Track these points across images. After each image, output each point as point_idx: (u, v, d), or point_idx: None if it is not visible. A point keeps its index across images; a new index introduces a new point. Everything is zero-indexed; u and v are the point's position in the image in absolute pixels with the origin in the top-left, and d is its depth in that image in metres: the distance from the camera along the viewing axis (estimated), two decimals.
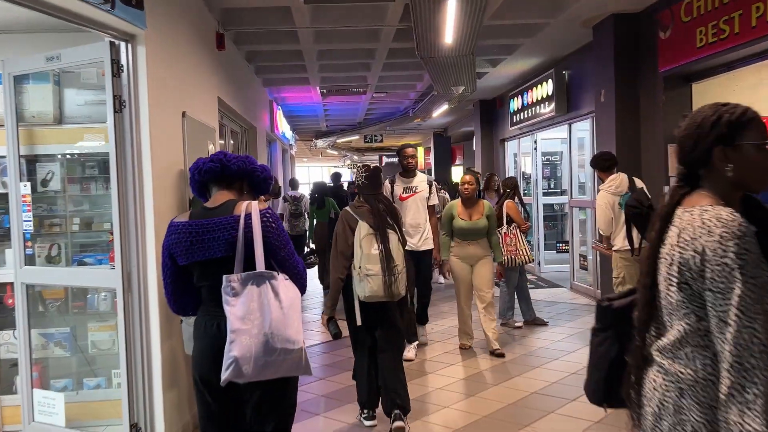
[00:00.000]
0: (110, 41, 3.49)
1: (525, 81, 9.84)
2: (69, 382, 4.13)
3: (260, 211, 2.31)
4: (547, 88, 8.71)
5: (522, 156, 11.30)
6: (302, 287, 2.43)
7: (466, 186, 5.50)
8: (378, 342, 3.84)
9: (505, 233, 6.34)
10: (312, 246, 8.67)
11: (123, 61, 3.56)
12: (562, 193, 11.53)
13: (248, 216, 2.29)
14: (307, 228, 9.03)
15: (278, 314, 2.22)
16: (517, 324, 6.54)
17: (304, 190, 10.16)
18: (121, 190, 3.53)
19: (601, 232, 5.62)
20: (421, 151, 22.53)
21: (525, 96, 9.74)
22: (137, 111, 3.56)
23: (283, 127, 11.56)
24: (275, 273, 2.29)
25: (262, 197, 3.28)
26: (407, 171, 5.60)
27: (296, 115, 13.68)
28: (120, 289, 3.56)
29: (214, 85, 5.50)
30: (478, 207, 5.49)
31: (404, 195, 5.51)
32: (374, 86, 10.15)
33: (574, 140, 8.82)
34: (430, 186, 5.65)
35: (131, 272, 3.59)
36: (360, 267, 3.61)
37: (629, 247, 5.37)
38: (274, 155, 11.04)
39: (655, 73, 6.14)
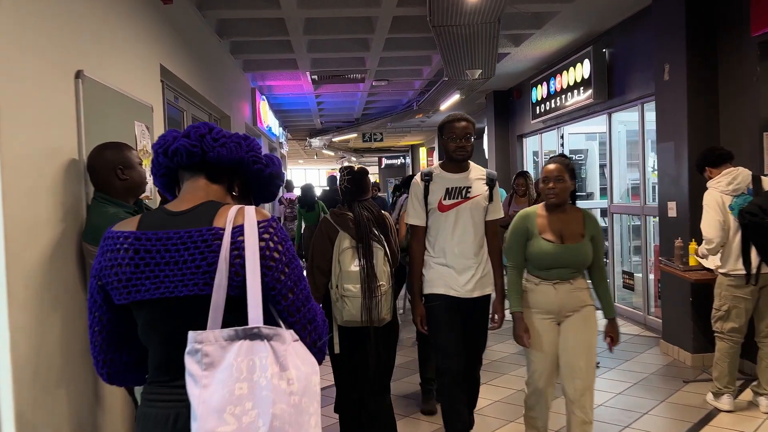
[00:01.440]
0: None
1: (551, 65, 8.37)
2: None
3: (259, 222, 1.44)
4: (582, 70, 7.25)
5: (544, 154, 9.82)
6: (320, 353, 1.54)
7: (551, 184, 3.06)
8: (360, 377, 3.32)
9: None
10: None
11: None
12: (588, 196, 10.10)
13: (238, 230, 1.42)
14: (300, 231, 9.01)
15: (285, 405, 1.31)
16: None
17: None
18: None
19: (705, 248, 4.13)
20: (424, 151, 21.09)
21: (552, 82, 8.27)
22: None
23: (270, 121, 10.09)
24: (281, 330, 1.38)
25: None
26: (455, 161, 3.27)
27: (287, 109, 12.20)
28: None
29: (154, 48, 4.02)
30: (573, 219, 3.12)
31: (447, 202, 3.24)
32: (374, 72, 8.68)
33: (615, 133, 7.35)
34: (492, 186, 3.32)
35: None
36: (337, 286, 3.12)
37: (743, 271, 3.87)
38: None
39: (744, 38, 4.67)
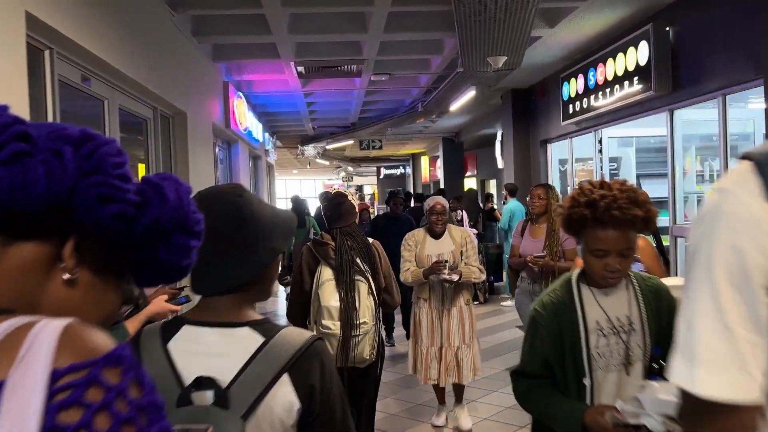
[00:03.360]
0: None
1: (591, 53, 6.85)
2: None
3: (58, 375, 0.54)
4: (636, 56, 5.72)
5: (575, 161, 8.29)
6: None
7: None
8: None
9: None
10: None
11: None
12: None
13: None
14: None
15: None
16: None
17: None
18: None
19: None
20: (426, 160, 19.59)
21: (592, 74, 6.75)
22: None
23: (250, 123, 8.56)
24: None
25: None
26: None
27: (272, 111, 10.67)
28: None
29: None
30: None
31: None
32: (372, 62, 7.16)
33: (679, 136, 5.82)
34: None
35: None
36: (315, 322, 2.88)
37: None
38: (233, 162, 8.02)
39: None
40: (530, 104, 9.24)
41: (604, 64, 6.39)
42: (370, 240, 3.17)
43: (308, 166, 20.16)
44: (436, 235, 4.08)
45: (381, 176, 24.88)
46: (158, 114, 4.70)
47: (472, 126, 13.57)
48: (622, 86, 6.06)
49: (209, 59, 6.48)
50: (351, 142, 14.42)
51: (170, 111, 5.02)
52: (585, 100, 6.99)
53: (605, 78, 6.41)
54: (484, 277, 4.17)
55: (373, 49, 6.50)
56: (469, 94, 7.84)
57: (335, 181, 32.70)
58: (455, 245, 4.03)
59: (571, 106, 7.43)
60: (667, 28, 5.43)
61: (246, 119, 8.08)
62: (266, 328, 1.17)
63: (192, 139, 5.28)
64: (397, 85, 8.78)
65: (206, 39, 5.88)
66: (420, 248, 4.05)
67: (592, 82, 6.76)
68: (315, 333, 1.31)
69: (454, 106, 8.91)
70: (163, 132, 4.98)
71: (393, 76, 7.96)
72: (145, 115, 4.50)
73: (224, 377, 1.09)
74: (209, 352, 1.13)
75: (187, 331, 1.16)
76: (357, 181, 32.10)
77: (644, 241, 3.51)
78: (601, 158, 7.42)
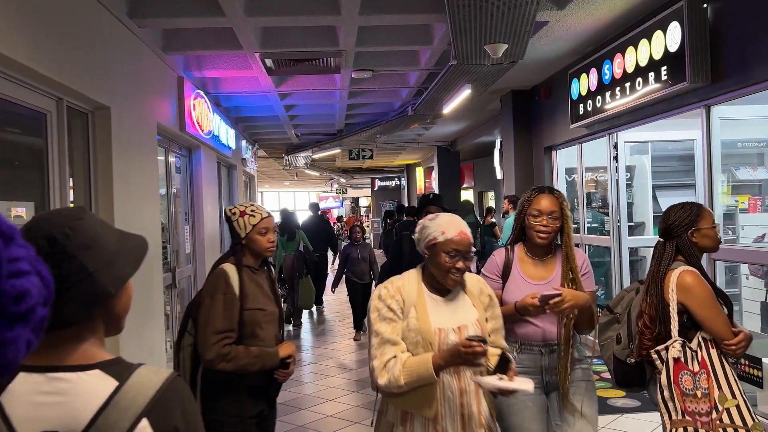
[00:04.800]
0: None
1: (602, 45, 5.87)
2: None
3: None
4: (666, 40, 4.73)
5: (584, 170, 7.28)
6: None
7: None
8: None
9: (677, 362, 2.33)
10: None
11: None
12: (636, 229, 7.57)
13: None
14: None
15: None
16: None
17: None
18: None
19: None
20: (420, 171, 18.59)
21: (607, 67, 5.75)
22: None
23: (216, 127, 7.53)
24: None
25: None
26: None
27: (248, 116, 9.65)
28: None
29: None
30: None
31: None
32: (352, 56, 6.15)
33: (717, 138, 4.80)
34: None
35: None
36: None
37: None
38: (195, 171, 6.98)
39: None
40: (533, 106, 8.26)
41: (623, 54, 5.39)
42: (226, 267, 2.56)
43: (296, 177, 19.15)
44: (444, 291, 2.21)
45: (375, 188, 23.89)
46: (64, 108, 3.67)
47: (468, 134, 12.59)
48: (645, 80, 5.06)
49: (157, 48, 5.46)
50: (339, 150, 13.44)
51: (87, 105, 3.99)
52: (598, 98, 5.99)
53: (624, 71, 5.41)
54: (513, 365, 2.14)
55: (350, 37, 5.49)
56: (464, 94, 6.83)
57: (329, 194, 31.68)
58: (477, 307, 2.22)
59: (581, 106, 6.43)
60: (705, 5, 4.44)
61: (210, 122, 7.06)
62: (118, 369, 1.06)
63: (119, 142, 4.25)
64: (384, 85, 7.77)
65: (146, 22, 4.86)
66: (420, 316, 2.12)
67: (607, 77, 5.76)
68: (173, 371, 1.20)
69: (448, 109, 7.90)
70: (80, 131, 3.97)
71: (377, 73, 6.96)
72: (42, 108, 3.48)
73: (74, 429, 0.98)
74: (53, 402, 1.00)
75: (23, 379, 1.01)
76: (351, 193, 31.10)
77: (693, 277, 2.46)
78: (616, 166, 6.41)
